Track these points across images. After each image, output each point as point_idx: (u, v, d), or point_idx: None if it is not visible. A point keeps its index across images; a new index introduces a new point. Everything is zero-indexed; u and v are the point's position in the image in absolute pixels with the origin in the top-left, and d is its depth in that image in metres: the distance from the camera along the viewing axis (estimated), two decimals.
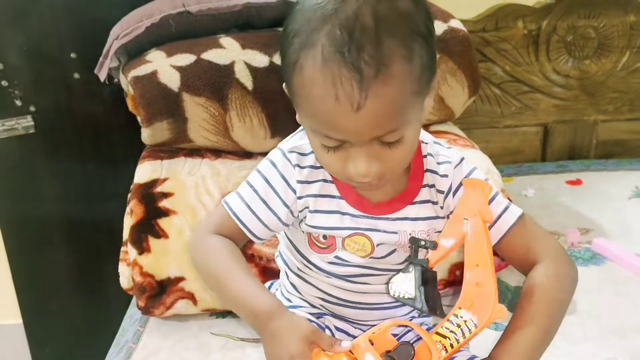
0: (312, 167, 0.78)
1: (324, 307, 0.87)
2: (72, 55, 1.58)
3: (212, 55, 1.21)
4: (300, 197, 0.78)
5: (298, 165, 0.78)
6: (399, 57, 0.63)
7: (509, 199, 1.17)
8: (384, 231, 0.78)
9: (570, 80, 1.76)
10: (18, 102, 1.59)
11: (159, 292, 1.12)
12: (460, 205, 0.77)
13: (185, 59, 1.20)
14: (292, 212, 0.79)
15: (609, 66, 1.75)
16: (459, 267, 1.14)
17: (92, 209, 1.72)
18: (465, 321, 0.71)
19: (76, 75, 1.59)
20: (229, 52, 1.22)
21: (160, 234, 1.12)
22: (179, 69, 1.19)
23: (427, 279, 0.75)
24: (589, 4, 1.69)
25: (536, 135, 1.81)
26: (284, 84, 0.73)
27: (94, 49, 1.32)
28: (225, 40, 1.24)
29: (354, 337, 0.82)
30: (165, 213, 1.14)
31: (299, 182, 0.78)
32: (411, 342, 0.74)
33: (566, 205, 1.54)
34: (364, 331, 0.80)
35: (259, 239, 0.81)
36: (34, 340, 1.81)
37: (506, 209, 0.80)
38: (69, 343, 1.81)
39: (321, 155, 0.72)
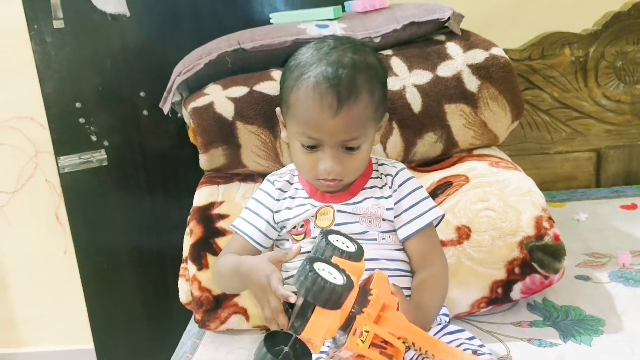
0: (287, 181, 1.10)
1: None
2: (142, 94, 1.72)
3: (263, 87, 1.30)
4: (278, 200, 1.09)
5: (276, 181, 1.11)
6: (365, 90, 0.95)
7: (550, 218, 1.19)
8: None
9: (621, 105, 1.75)
10: (93, 138, 1.74)
11: (215, 306, 1.20)
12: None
13: (239, 90, 1.30)
14: (274, 216, 1.08)
15: None
16: (500, 284, 1.16)
17: (158, 238, 1.83)
18: None
19: (145, 112, 1.73)
20: (278, 84, 1.30)
21: (217, 251, 1.20)
22: (233, 99, 1.28)
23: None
24: (637, 30, 1.70)
25: (589, 160, 1.80)
26: (277, 109, 1.06)
27: (161, 88, 1.41)
28: (277, 74, 1.33)
29: None
30: (222, 233, 1.22)
31: (277, 189, 1.09)
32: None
33: (620, 229, 1.52)
34: None
35: (259, 244, 1.08)
36: None
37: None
38: None
39: (300, 157, 1.00)
